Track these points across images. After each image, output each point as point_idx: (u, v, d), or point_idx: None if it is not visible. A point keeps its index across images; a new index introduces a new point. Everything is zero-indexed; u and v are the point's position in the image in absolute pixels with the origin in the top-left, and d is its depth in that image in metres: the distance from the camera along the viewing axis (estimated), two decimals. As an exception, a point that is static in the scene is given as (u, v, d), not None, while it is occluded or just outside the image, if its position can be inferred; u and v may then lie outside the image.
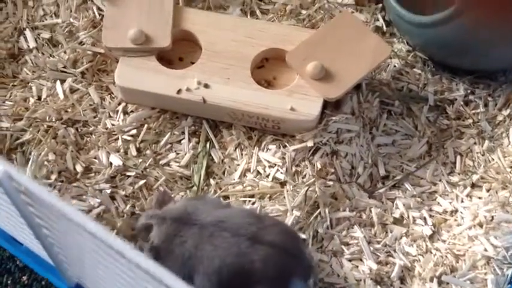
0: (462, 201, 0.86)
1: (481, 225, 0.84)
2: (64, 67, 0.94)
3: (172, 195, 0.83)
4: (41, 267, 0.77)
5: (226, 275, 0.72)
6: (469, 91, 0.95)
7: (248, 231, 0.73)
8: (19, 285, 0.84)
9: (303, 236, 0.82)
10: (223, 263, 0.72)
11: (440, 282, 0.79)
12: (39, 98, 0.93)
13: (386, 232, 0.84)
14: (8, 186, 0.49)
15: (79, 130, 0.90)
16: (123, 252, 0.46)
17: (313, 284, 0.76)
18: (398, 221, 0.85)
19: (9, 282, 0.85)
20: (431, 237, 0.83)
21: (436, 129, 0.91)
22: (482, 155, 0.90)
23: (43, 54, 0.96)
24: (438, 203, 0.86)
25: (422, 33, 0.92)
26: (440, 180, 0.88)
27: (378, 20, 1.00)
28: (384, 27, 1.00)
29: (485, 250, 0.81)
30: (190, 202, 0.79)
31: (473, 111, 0.93)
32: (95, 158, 0.88)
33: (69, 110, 0.91)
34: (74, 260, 0.61)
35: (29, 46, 0.97)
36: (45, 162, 0.86)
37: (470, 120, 0.92)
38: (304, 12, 1.00)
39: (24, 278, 0.85)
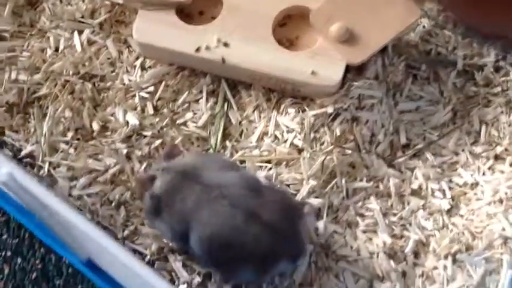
0: (484, 174, 0.84)
1: (501, 201, 0.82)
2: (82, 17, 0.92)
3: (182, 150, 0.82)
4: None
5: (218, 245, 0.71)
6: (500, 56, 0.90)
7: (246, 203, 0.71)
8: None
9: (318, 204, 0.81)
10: (216, 232, 0.71)
11: (454, 260, 0.79)
12: (57, 50, 0.91)
13: (403, 204, 0.82)
14: (13, 186, 0.49)
15: (96, 85, 0.89)
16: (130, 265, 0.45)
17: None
18: (416, 193, 0.83)
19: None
20: (448, 212, 0.82)
21: (463, 95, 0.88)
22: (509, 126, 0.87)
23: (61, 1, 0.94)
24: (459, 174, 0.84)
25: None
26: (463, 150, 0.85)
27: (409, -26, 0.95)
28: (416, -18, 0.95)
29: (503, 229, 0.79)
30: (199, 158, 0.78)
31: (503, 79, 0.89)
32: (112, 115, 0.87)
33: (87, 63, 0.90)
34: (81, 243, 0.62)
35: (47, -8, 0.94)
36: (62, 119, 0.86)
37: (499, 88, 0.89)
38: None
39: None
